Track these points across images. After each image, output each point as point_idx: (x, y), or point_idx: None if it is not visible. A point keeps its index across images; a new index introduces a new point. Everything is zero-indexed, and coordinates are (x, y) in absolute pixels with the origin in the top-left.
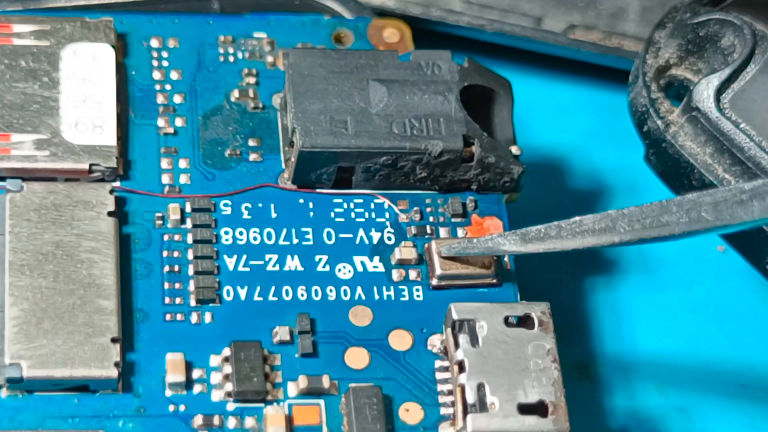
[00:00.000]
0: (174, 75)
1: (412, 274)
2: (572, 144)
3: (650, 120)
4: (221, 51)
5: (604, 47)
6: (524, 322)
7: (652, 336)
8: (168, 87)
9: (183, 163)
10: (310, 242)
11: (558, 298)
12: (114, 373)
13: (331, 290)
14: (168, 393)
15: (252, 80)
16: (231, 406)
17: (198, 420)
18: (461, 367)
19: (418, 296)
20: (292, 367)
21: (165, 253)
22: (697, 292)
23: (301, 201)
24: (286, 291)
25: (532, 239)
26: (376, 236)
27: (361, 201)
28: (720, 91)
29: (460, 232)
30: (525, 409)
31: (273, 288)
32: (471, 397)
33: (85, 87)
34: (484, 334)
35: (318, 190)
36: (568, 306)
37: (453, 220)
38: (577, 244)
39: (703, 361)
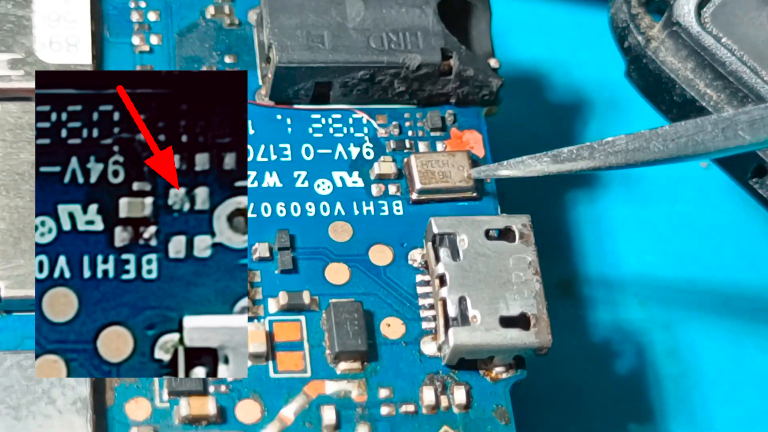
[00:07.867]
0: None
1: (392, 189)
2: (553, 59)
3: (631, 35)
4: None
5: None
6: (505, 234)
7: (634, 251)
8: (143, 4)
9: None
10: (289, 158)
11: (539, 213)
12: None
13: (310, 206)
14: None
15: None
16: None
17: None
18: (442, 281)
19: (398, 211)
20: (272, 283)
21: None
22: (680, 208)
23: (279, 117)
24: (265, 207)
25: (564, 160)
26: (354, 151)
27: (339, 116)
28: (701, 5)
29: (439, 146)
30: (507, 322)
31: (252, 205)
32: (452, 311)
33: (59, 5)
34: (464, 247)
35: (296, 106)
36: (548, 221)
37: (432, 134)
38: (610, 163)
39: (685, 276)
